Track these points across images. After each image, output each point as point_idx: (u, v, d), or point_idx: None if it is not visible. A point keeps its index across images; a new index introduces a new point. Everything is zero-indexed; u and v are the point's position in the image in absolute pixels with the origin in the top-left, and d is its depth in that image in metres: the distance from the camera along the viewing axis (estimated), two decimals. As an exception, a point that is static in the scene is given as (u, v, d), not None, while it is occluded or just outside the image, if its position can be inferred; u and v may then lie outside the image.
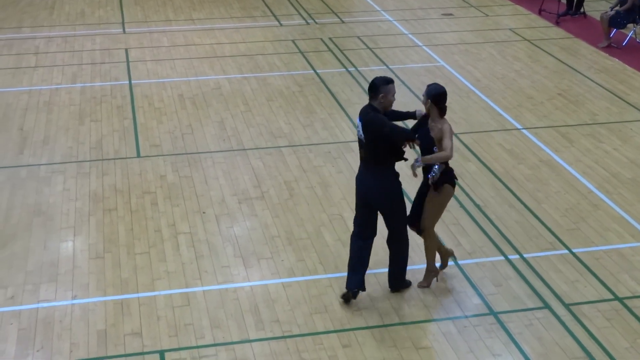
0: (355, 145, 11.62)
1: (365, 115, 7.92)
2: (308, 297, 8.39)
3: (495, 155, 11.46)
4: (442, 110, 8.02)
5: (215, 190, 10.44)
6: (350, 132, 12.10)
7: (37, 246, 9.22)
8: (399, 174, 8.06)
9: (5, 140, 11.79)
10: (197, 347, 7.69)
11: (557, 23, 17.66)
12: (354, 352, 7.64)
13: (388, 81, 7.90)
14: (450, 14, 18.28)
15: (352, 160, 11.21)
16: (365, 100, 13.36)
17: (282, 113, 12.76)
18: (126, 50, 15.54)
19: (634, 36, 16.38)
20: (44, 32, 16.49)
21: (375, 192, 8.02)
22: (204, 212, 9.92)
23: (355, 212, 8.28)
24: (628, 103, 13.37)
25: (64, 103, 13.06)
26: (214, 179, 10.71)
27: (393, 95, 7.93)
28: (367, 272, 8.36)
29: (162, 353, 7.60)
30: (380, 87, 7.85)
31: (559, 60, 15.38)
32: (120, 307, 8.21)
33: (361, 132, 7.92)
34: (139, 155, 11.33)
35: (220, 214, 9.89)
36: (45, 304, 8.25)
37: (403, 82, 14.03)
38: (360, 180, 8.12)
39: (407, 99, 13.31)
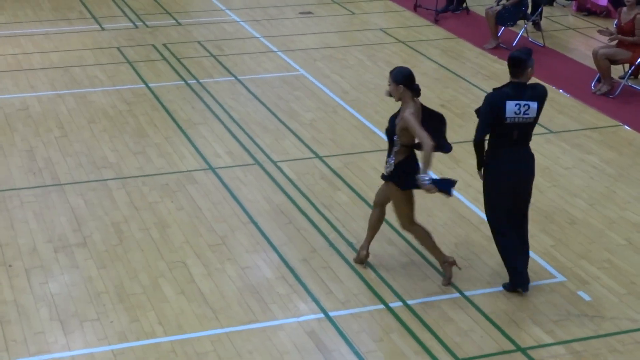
0: (199, 175, 11.56)
1: (540, 91, 8.98)
2: (146, 367, 8.23)
3: (369, 182, 11.54)
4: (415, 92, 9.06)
5: (24, 236, 10.17)
6: (192, 160, 11.98)
7: None
8: None
9: None
10: None
11: (436, 21, 18.09)
12: None
13: (531, 53, 8.94)
14: (309, 13, 18.47)
15: (196, 194, 11.10)
16: (212, 119, 13.44)
17: (107, 138, 12.56)
18: None
19: (525, 34, 16.92)
20: None
21: (530, 174, 9.22)
22: (10, 266, 9.65)
23: (499, 211, 9.19)
24: (522, 114, 13.74)
25: None
26: (23, 223, 10.44)
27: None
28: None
29: None
30: (528, 61, 8.84)
31: (440, 65, 15.71)
32: None
33: (532, 114, 8.86)
34: None
35: (31, 267, 9.62)
36: None
37: (255, 96, 14.02)
38: (517, 165, 9.08)
39: (262, 116, 13.30)
